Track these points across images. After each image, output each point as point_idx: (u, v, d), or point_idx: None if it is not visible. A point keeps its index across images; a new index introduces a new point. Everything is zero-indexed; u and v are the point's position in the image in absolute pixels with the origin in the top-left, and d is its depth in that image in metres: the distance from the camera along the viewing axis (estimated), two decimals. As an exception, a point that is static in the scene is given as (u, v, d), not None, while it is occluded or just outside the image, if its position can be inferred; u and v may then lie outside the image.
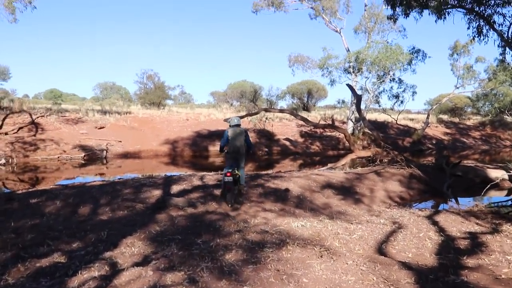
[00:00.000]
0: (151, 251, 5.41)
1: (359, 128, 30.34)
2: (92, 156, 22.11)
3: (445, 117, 46.37)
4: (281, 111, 21.56)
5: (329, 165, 14.63)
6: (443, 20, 14.14)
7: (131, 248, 5.51)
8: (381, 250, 5.87)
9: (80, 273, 4.52)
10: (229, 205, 8.60)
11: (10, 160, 19.50)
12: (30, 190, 11.04)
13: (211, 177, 11.65)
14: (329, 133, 30.76)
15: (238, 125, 9.69)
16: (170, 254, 5.22)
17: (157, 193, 9.57)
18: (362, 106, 25.51)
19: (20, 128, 23.03)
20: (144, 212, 7.93)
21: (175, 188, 10.11)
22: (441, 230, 7.08)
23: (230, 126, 9.66)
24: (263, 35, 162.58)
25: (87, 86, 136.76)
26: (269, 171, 15.44)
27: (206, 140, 25.93)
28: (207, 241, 5.81)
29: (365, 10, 30.72)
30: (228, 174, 8.80)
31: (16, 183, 15.75)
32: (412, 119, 41.92)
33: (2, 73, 52.42)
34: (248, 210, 8.34)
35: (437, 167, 14.71)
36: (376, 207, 10.07)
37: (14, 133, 22.36)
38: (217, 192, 9.74)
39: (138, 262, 4.95)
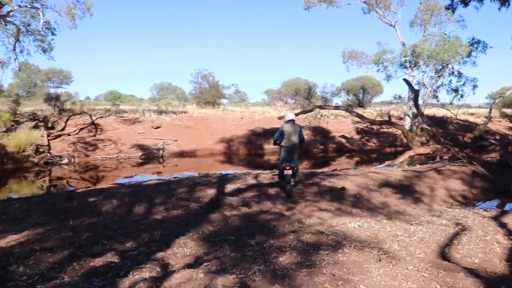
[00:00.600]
0: (203, 252, 5.33)
1: (417, 124, 29.26)
2: (149, 155, 22.61)
3: (509, 111, 43.98)
4: (336, 107, 21.14)
5: (387, 162, 14.15)
6: (507, 7, 13.34)
7: (183, 249, 5.47)
8: (444, 254, 5.49)
9: (132, 274, 4.49)
10: (289, 197, 9.13)
11: (72, 160, 20.29)
12: (89, 189, 11.36)
13: (265, 176, 11.53)
14: (386, 130, 29.95)
15: (293, 121, 10.15)
16: (222, 255, 5.12)
17: (211, 192, 9.56)
18: (420, 101, 24.53)
19: (81, 129, 23.93)
20: (198, 212, 7.92)
21: (229, 187, 10.06)
22: (510, 233, 6.58)
23: (285, 122, 10.19)
24: (316, 32, 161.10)
25: (145, 87, 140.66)
26: (325, 169, 15.12)
27: (261, 138, 25.89)
28: (261, 242, 5.67)
29: (420, 2, 29.50)
30: (288, 168, 9.29)
31: (78, 182, 16.35)
32: (472, 114, 40.04)
33: (65, 77, 54.93)
34: (303, 209, 8.14)
35: (502, 164, 13.91)
36: (437, 206, 9.57)
37: (75, 134, 23.25)
38: (272, 191, 9.62)
39: (190, 263, 4.88)
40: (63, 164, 19.67)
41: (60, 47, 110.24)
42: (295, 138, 9.91)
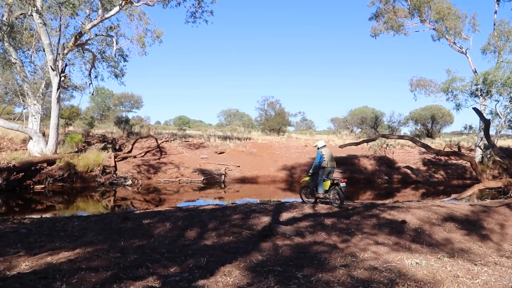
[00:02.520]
0: (246, 282, 5.09)
1: (488, 156, 27.60)
2: (211, 180, 22.78)
3: None
4: (400, 137, 20.36)
5: (453, 195, 13.26)
6: None
7: (226, 277, 5.26)
8: (513, 302, 4.93)
9: (169, 301, 4.37)
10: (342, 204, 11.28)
11: (135, 181, 20.83)
12: (146, 211, 11.52)
13: (323, 206, 11.17)
14: (454, 161, 28.44)
15: (325, 146, 12.14)
16: (265, 287, 4.88)
17: (265, 220, 9.34)
18: (492, 132, 23.21)
19: (147, 152, 24.67)
20: (249, 239, 7.71)
21: (285, 216, 9.80)
22: None
23: (319, 148, 12.01)
24: (383, 59, 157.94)
25: (213, 113, 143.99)
26: (387, 201, 14.48)
27: (323, 166, 25.42)
28: (308, 275, 5.35)
29: (494, 29, 28.14)
30: (342, 181, 11.47)
31: (139, 203, 16.68)
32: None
33: (136, 102, 57.36)
34: (358, 242, 7.70)
35: None
36: (507, 246, 8.76)
37: (141, 156, 23.96)
38: (328, 221, 9.25)
39: (230, 294, 4.68)
40: (127, 185, 20.23)
41: (132, 73, 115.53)
42: (333, 159, 12.05)
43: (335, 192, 11.47)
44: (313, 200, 12.18)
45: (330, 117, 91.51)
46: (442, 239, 8.61)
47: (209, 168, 24.00)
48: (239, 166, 24.88)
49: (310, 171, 12.24)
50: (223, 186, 22.23)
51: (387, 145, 28.01)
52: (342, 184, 11.32)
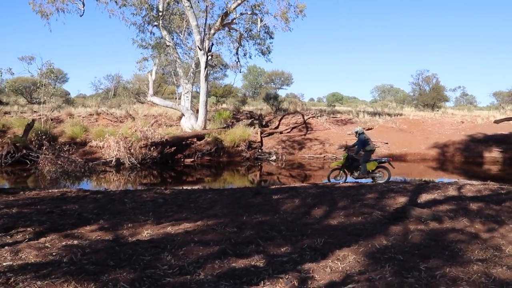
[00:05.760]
0: (359, 270, 4.57)
1: None
2: (356, 157, 22.04)
3: None
4: None
5: None
6: None
7: (338, 263, 4.80)
8: None
9: (263, 284, 4.08)
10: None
11: (279, 157, 21.04)
12: (281, 186, 11.46)
13: (471, 188, 9.86)
14: None
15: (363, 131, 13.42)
16: (377, 277, 4.28)
17: (402, 200, 8.56)
18: None
19: (293, 128, 24.75)
20: (378, 221, 7.07)
21: (424, 197, 8.88)
22: None
23: (359, 133, 13.11)
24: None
25: (367, 89, 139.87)
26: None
27: (480, 145, 22.84)
28: (433, 267, 4.62)
29: None
30: (391, 160, 13.56)
31: (281, 178, 16.81)
32: None
33: (286, 79, 58.15)
34: (507, 233, 6.48)
35: None
36: None
37: (287, 132, 24.13)
38: (474, 206, 8.10)
39: (334, 281, 4.20)
40: (271, 160, 20.55)
41: (284, 51, 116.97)
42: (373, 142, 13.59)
43: (382, 171, 12.98)
44: (343, 179, 13.10)
45: (493, 91, 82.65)
46: None
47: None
48: (387, 143, 23.64)
49: (355, 155, 13.25)
50: (369, 163, 21.35)
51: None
52: (389, 163, 13.12)
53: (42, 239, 5.64)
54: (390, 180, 12.65)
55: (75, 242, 5.54)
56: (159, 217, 7.33)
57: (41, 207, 8.13)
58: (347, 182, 12.72)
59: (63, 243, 5.47)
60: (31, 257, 4.82)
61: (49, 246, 5.30)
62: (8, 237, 5.80)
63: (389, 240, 5.85)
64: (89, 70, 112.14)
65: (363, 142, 12.93)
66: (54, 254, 4.90)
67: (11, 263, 4.59)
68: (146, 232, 6.10)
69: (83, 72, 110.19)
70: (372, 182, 12.63)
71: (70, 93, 50.12)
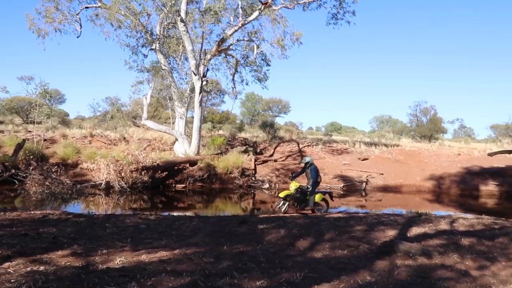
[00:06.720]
0: (336, 308, 4.31)
1: None
2: (351, 187, 21.76)
3: None
4: None
5: None
6: None
7: (314, 299, 4.54)
8: None
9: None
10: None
11: (273, 185, 20.73)
12: (266, 215, 11.17)
13: (463, 222, 9.59)
14: None
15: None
16: (355, 318, 4.04)
17: (391, 233, 8.30)
18: None
19: (288, 156, 24.50)
20: (364, 255, 6.78)
21: (415, 231, 8.61)
22: None
23: (310, 163, 12.79)
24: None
25: (366, 119, 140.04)
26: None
27: (477, 177, 22.60)
28: (416, 307, 4.37)
29: None
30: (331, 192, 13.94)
31: (273, 206, 16.47)
32: None
33: (284, 107, 58.22)
34: (499, 271, 6.19)
35: None
36: None
37: (282, 160, 23.87)
38: (465, 241, 7.83)
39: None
40: (264, 188, 20.25)
41: (282, 79, 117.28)
42: None
43: (321, 203, 12.90)
44: (285, 208, 12.52)
45: (491, 123, 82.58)
46: None
47: (350, 175, 22.95)
48: (382, 174, 23.39)
49: (310, 188, 12.48)
50: (363, 194, 21.01)
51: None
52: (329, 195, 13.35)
53: (6, 264, 5.33)
54: (328, 211, 12.83)
55: (41, 268, 5.24)
56: (137, 243, 7.03)
57: (16, 229, 7.82)
58: (334, 212, 12.58)
59: (28, 268, 5.17)
60: (-14, 284, 4.53)
61: (12, 272, 4.99)
62: (-30, 261, 5.50)
63: (373, 276, 5.58)
64: (89, 91, 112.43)
65: (317, 172, 12.75)
66: (12, 281, 4.59)
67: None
68: (119, 260, 5.79)
69: (83, 94, 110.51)
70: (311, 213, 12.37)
71: (69, 114, 49.99)
